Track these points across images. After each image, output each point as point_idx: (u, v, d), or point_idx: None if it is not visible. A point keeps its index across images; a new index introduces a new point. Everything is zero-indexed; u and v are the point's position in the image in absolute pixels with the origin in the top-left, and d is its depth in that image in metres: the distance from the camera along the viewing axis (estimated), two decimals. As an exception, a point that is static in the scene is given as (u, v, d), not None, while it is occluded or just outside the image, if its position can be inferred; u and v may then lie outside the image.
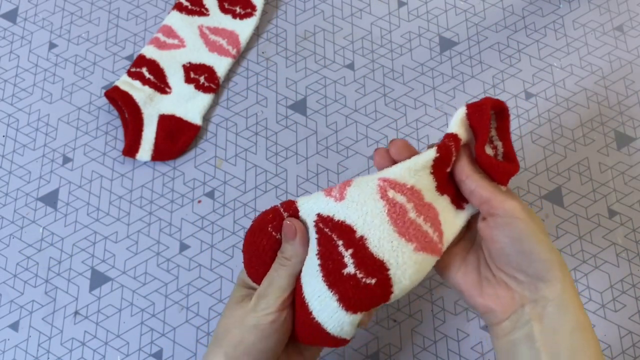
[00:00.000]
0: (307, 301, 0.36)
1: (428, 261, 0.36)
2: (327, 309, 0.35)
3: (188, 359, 0.50)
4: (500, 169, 0.35)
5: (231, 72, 0.60)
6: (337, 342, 0.36)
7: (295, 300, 0.37)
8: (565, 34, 0.61)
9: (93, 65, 0.60)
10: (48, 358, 0.50)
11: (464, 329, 0.51)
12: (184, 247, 0.54)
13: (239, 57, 0.61)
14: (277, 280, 0.37)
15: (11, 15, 0.63)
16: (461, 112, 0.36)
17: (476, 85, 0.59)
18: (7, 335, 0.51)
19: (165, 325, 0.51)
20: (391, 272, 0.34)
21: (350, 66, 0.60)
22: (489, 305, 0.36)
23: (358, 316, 0.34)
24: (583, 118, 0.58)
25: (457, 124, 0.36)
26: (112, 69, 0.60)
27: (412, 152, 0.37)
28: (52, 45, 0.61)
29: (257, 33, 0.62)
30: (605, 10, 0.62)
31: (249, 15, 0.61)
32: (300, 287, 0.37)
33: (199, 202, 0.55)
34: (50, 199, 0.55)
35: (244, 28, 0.61)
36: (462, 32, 0.62)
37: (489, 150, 0.37)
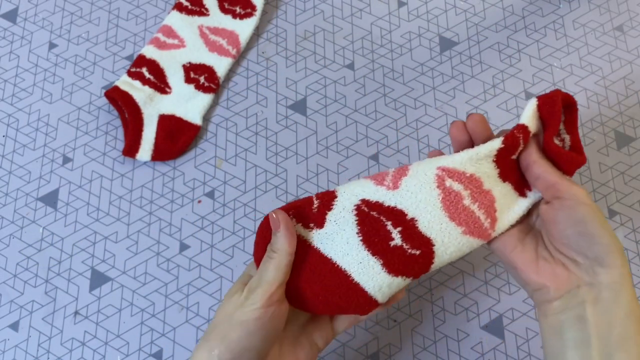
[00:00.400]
0: (343, 268, 0.37)
1: (472, 244, 0.38)
2: (369, 271, 0.37)
3: (188, 359, 0.50)
4: (569, 159, 0.36)
5: (231, 72, 0.60)
6: (368, 304, 0.38)
7: (321, 272, 0.38)
8: (565, 34, 0.61)
9: (93, 65, 0.60)
10: (48, 358, 0.50)
11: (464, 329, 0.51)
12: (184, 247, 0.54)
13: (239, 57, 0.61)
14: (264, 274, 0.37)
15: (11, 15, 0.63)
16: (532, 104, 0.36)
17: (476, 85, 0.59)
18: (7, 335, 0.51)
19: (165, 325, 0.51)
20: (435, 248, 0.37)
21: (350, 66, 0.60)
22: (543, 283, 0.36)
23: (398, 280, 0.37)
24: (583, 118, 0.58)
25: (529, 115, 0.36)
26: (112, 69, 0.60)
27: (486, 128, 0.38)
28: (52, 45, 0.61)
29: (257, 33, 0.62)
30: (605, 10, 0.62)
31: (249, 15, 0.61)
32: (328, 259, 0.38)
33: (199, 202, 0.55)
34: (50, 199, 0.55)
35: (244, 28, 0.61)
36: (462, 32, 0.62)
37: (556, 142, 0.38)
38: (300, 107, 0.59)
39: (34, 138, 0.58)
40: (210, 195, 0.55)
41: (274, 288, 0.36)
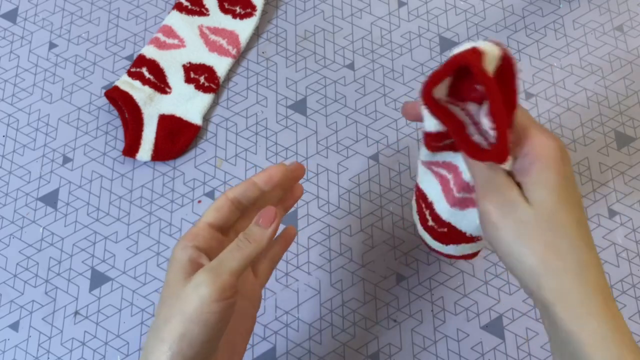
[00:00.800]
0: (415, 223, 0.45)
1: (475, 214, 0.38)
2: (426, 238, 0.44)
3: None
4: (480, 157, 0.30)
5: (231, 72, 0.60)
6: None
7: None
8: (565, 34, 0.61)
9: (93, 65, 0.60)
10: (48, 358, 0.50)
11: (464, 329, 0.51)
12: (184, 247, 0.53)
13: (239, 57, 0.61)
14: (228, 263, 0.33)
15: (11, 15, 0.63)
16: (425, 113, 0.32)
17: (476, 85, 0.59)
18: (7, 335, 0.51)
19: (165, 325, 0.51)
20: (453, 223, 0.39)
21: (350, 66, 0.60)
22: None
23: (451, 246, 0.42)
24: (583, 118, 0.58)
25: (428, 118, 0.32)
26: (112, 69, 0.60)
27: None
28: (52, 45, 0.61)
29: (257, 33, 0.62)
30: (605, 10, 0.62)
31: (249, 15, 0.61)
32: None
33: (199, 202, 0.55)
34: (50, 199, 0.55)
35: (244, 28, 0.61)
36: (462, 32, 0.62)
37: (485, 121, 0.31)
38: (300, 107, 0.59)
39: (34, 138, 0.58)
40: (210, 195, 0.55)
41: (235, 280, 0.33)
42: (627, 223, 0.54)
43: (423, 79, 0.59)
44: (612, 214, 0.54)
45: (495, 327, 0.51)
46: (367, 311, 0.51)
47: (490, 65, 0.29)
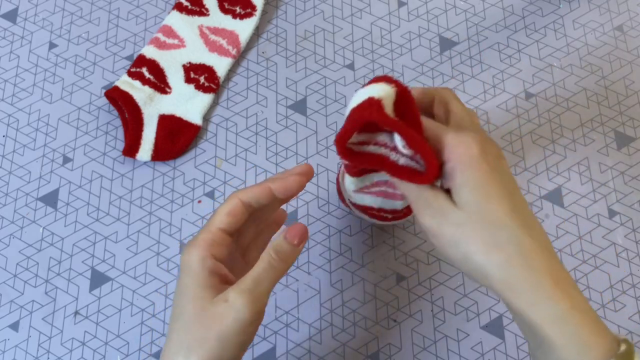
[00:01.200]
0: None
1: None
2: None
3: None
4: (416, 181, 0.32)
5: (231, 72, 0.60)
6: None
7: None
8: (565, 34, 0.61)
9: (93, 65, 0.60)
10: (48, 358, 0.50)
11: (464, 329, 0.51)
12: (184, 247, 0.53)
13: (239, 57, 0.61)
14: (264, 283, 0.33)
15: (11, 15, 0.63)
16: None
17: (476, 85, 0.59)
18: (7, 335, 0.51)
19: (165, 325, 0.51)
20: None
21: (350, 66, 0.60)
22: None
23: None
24: (583, 118, 0.58)
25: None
26: (112, 69, 0.60)
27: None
28: (52, 45, 0.61)
29: (257, 33, 0.62)
30: (605, 10, 0.62)
31: (249, 15, 0.61)
32: None
33: (199, 202, 0.55)
34: (50, 199, 0.55)
35: (244, 28, 0.61)
36: (462, 32, 0.62)
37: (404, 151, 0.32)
38: (300, 107, 0.59)
39: (34, 138, 0.58)
40: (210, 195, 0.55)
41: (267, 299, 0.34)
42: (627, 223, 0.54)
43: (423, 78, 0.59)
44: (612, 214, 0.54)
45: (495, 327, 0.51)
46: (367, 311, 0.51)
47: (389, 105, 0.31)
